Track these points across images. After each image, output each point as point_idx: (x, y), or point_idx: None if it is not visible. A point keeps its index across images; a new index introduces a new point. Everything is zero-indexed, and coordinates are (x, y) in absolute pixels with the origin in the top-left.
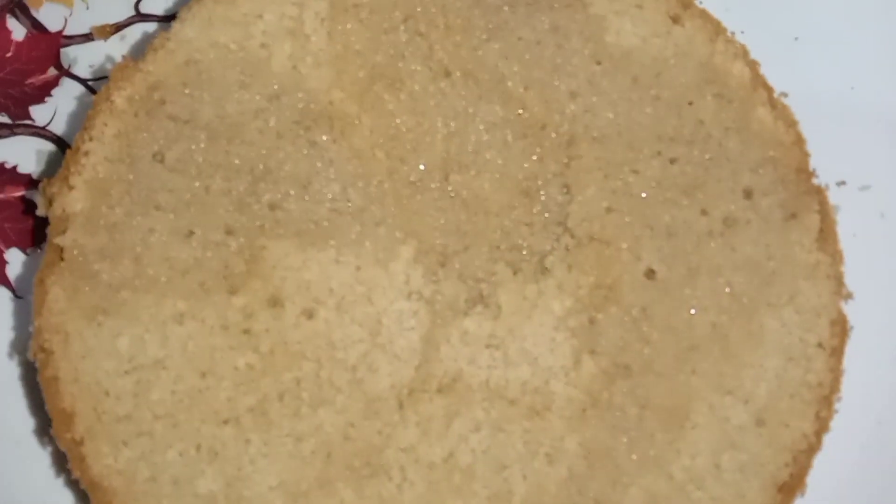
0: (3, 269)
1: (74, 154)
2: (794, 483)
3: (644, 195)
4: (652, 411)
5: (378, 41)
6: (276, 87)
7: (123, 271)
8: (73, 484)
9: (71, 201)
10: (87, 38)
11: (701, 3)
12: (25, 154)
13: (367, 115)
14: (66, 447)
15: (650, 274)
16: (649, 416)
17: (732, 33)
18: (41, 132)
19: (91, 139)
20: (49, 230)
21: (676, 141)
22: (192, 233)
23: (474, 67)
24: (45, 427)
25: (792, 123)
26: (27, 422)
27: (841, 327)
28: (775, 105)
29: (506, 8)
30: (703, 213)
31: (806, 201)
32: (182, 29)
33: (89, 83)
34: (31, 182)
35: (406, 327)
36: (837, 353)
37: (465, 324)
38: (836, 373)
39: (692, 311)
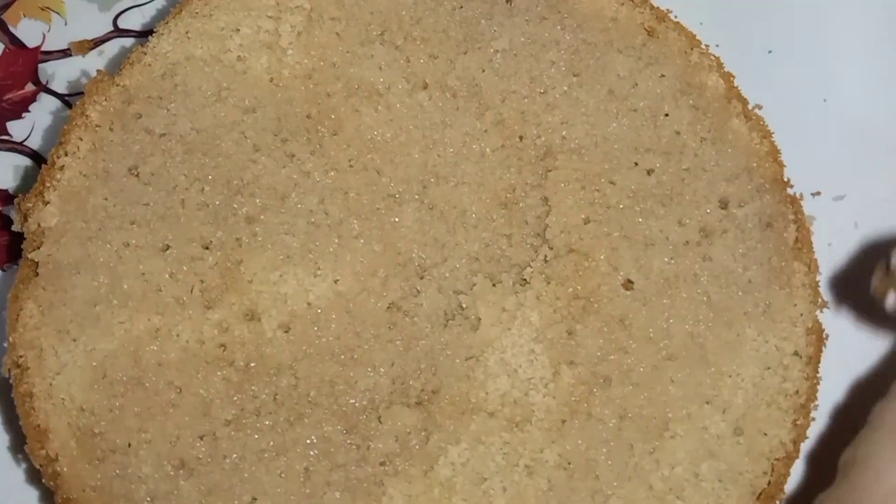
0: None
1: (50, 169)
2: (772, 491)
3: (621, 206)
4: (631, 421)
5: (355, 54)
6: (252, 99)
7: (98, 286)
8: (48, 501)
9: (46, 216)
10: (65, 53)
11: (676, 16)
12: (2, 170)
13: (345, 128)
14: (40, 464)
15: (628, 284)
16: (628, 426)
17: (707, 46)
18: (18, 147)
19: (66, 154)
20: (24, 245)
21: (653, 152)
22: (167, 247)
23: (451, 80)
24: (20, 443)
25: (766, 135)
26: (2, 438)
27: (817, 336)
28: (750, 116)
29: (482, 20)
30: (680, 223)
31: (781, 211)
32: (159, 43)
33: (66, 98)
34: (7, 197)
35: (385, 340)
36: (814, 361)
37: (445, 336)
38: (812, 381)
39: (669, 321)
